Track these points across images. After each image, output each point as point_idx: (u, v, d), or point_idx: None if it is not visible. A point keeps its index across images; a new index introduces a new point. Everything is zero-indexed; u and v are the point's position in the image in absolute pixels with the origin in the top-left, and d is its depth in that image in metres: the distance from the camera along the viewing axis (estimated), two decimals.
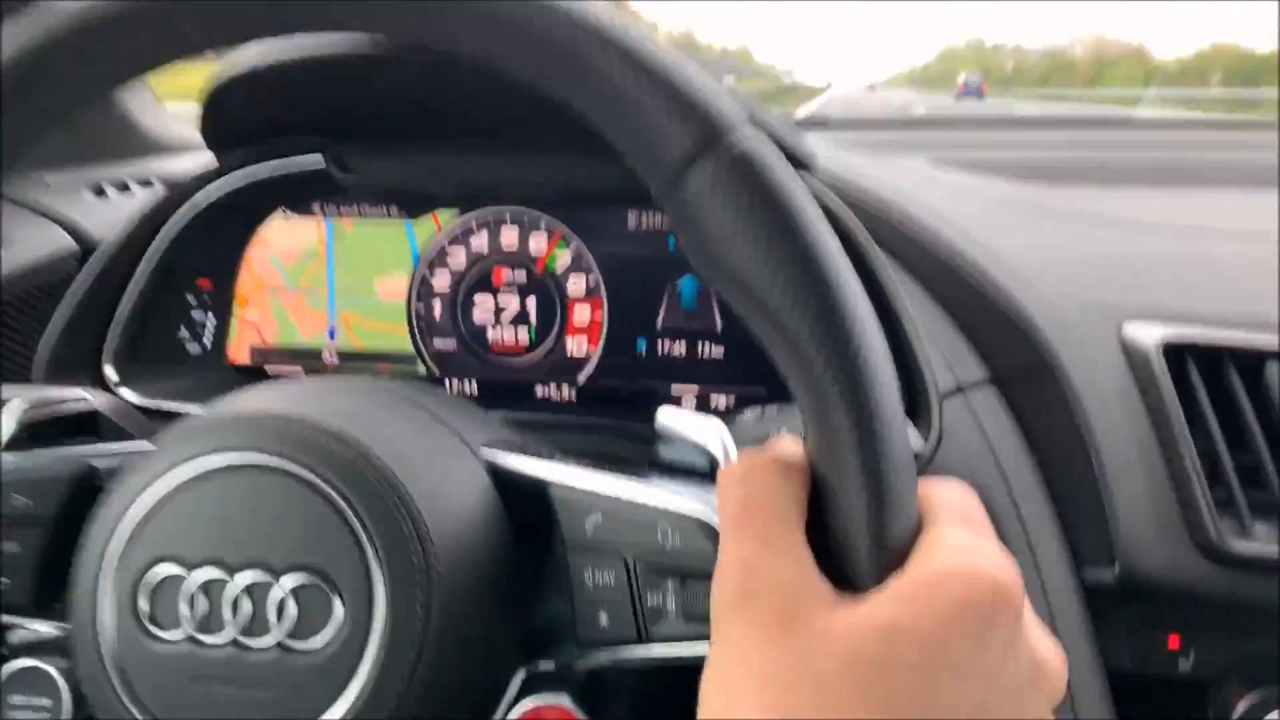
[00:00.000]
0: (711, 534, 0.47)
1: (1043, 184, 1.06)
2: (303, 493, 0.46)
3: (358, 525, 0.45)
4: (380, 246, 0.84)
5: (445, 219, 0.84)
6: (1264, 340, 0.69)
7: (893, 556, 0.33)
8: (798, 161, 0.75)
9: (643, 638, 0.49)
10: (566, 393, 0.84)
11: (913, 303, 0.85)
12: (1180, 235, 0.84)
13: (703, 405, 0.82)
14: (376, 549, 0.45)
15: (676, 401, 0.82)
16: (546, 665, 0.53)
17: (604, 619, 0.49)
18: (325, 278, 0.85)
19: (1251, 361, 0.68)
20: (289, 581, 0.45)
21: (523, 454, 0.54)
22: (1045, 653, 0.34)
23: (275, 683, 0.45)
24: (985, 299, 0.80)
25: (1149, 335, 0.70)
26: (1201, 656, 0.67)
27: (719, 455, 0.53)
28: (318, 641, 0.45)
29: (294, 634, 0.45)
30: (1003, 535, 0.70)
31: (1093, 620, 0.68)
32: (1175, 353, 0.69)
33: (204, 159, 0.81)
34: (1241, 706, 0.63)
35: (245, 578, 0.45)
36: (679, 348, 0.82)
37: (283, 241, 0.86)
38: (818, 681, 0.31)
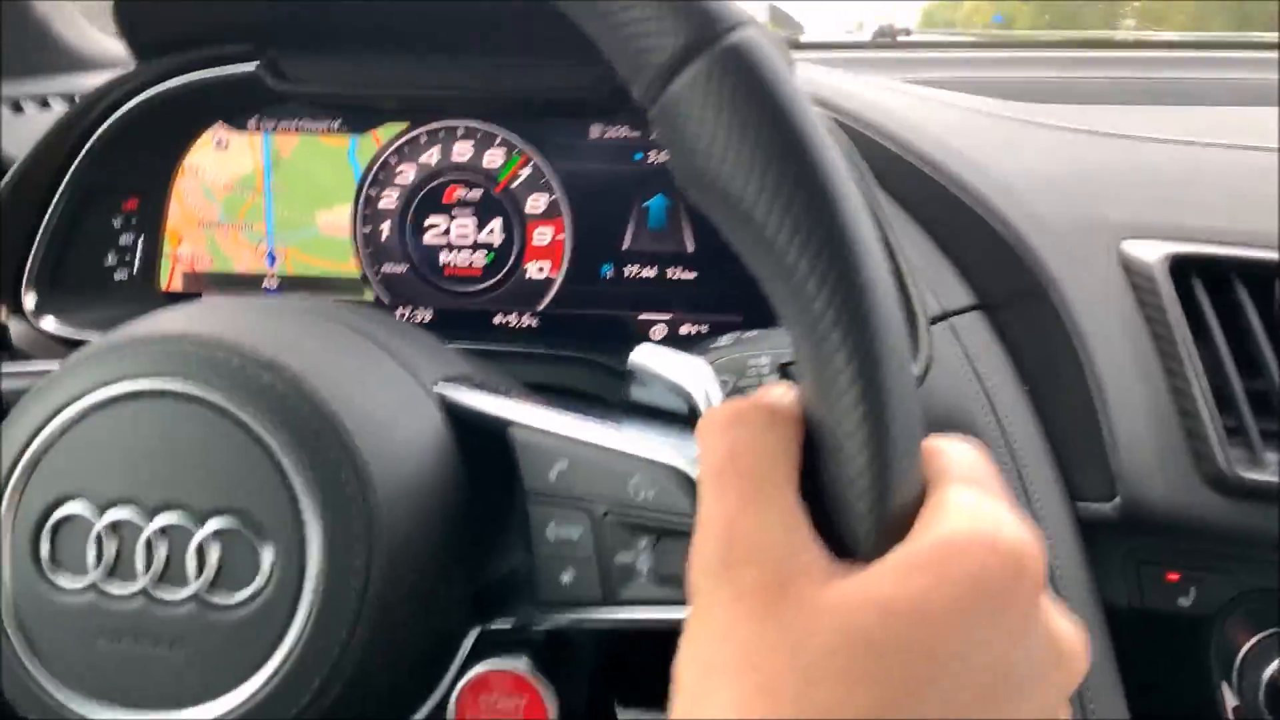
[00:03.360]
0: (690, 488, 0.43)
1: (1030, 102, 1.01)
2: (228, 427, 0.41)
3: (289, 465, 0.40)
4: (321, 174, 0.78)
5: (389, 134, 0.77)
6: (1275, 256, 0.64)
7: (896, 521, 0.30)
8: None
9: (610, 600, 0.45)
10: (527, 320, 0.78)
11: (895, 225, 0.81)
12: (1182, 147, 0.79)
13: (673, 334, 0.77)
14: (311, 492, 0.40)
15: (645, 329, 0.77)
16: (503, 624, 0.48)
17: (567, 577, 0.45)
18: (263, 211, 0.79)
19: (1261, 278, 0.64)
20: (211, 526, 0.40)
21: (482, 390, 0.49)
22: (1064, 634, 0.30)
23: (191, 641, 0.40)
24: (973, 218, 0.75)
25: (1152, 252, 0.65)
26: (1202, 592, 0.64)
27: (700, 399, 0.47)
28: (241, 596, 0.40)
29: (214, 586, 0.40)
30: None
31: (1088, 554, 0.64)
32: (1180, 270, 0.65)
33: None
34: (1247, 647, 0.60)
35: (161, 520, 0.40)
36: (647, 272, 0.77)
37: (216, 171, 0.79)
38: (806, 665, 0.27)
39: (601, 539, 0.44)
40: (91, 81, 1.05)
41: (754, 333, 0.63)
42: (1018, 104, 0.98)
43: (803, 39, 1.44)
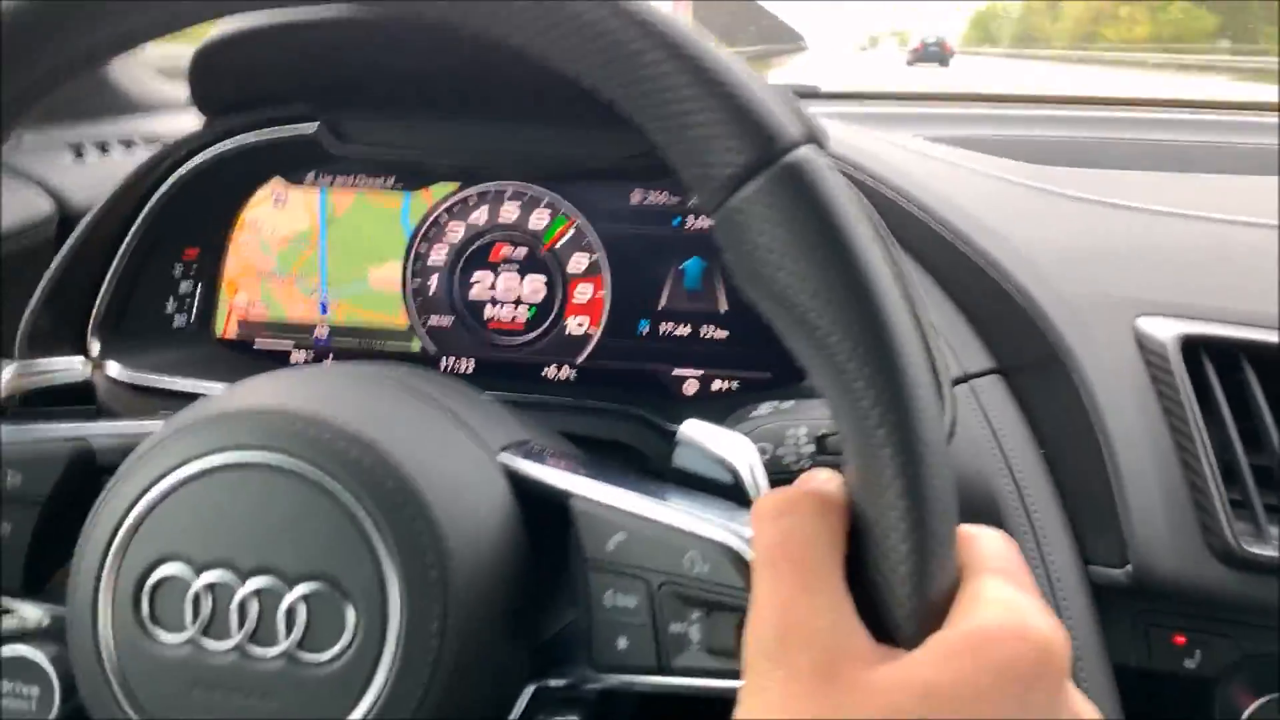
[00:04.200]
0: (742, 566, 0.45)
1: (1043, 164, 1.04)
2: (318, 497, 0.44)
3: (374, 534, 0.43)
4: (374, 231, 0.82)
5: (441, 193, 0.81)
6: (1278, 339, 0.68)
7: (933, 608, 0.32)
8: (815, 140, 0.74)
9: (662, 667, 0.47)
10: (566, 372, 0.82)
11: (919, 288, 0.84)
12: (1197, 223, 0.82)
13: (705, 389, 0.80)
14: (393, 559, 0.43)
15: (678, 384, 0.80)
16: (557, 681, 0.51)
17: (622, 643, 0.47)
18: (317, 265, 0.83)
19: (1268, 358, 0.67)
20: (300, 589, 0.43)
21: (542, 458, 0.52)
22: (1086, 717, 0.33)
23: (281, 694, 0.43)
24: (993, 286, 0.78)
25: (1166, 330, 0.69)
26: (1208, 655, 0.66)
27: (745, 474, 0.51)
28: (328, 654, 0.43)
29: (303, 644, 0.43)
30: (1008, 527, 0.69)
31: (1099, 615, 0.67)
32: (1191, 348, 0.68)
33: (189, 119, 0.78)
34: (1250, 710, 0.63)
35: (255, 583, 0.43)
36: (682, 330, 0.80)
37: (274, 225, 0.83)
38: None
39: (656, 609, 0.46)
40: (147, 124, 1.10)
41: (790, 403, 0.66)
42: (1038, 168, 1.01)
43: (822, 90, 1.47)
